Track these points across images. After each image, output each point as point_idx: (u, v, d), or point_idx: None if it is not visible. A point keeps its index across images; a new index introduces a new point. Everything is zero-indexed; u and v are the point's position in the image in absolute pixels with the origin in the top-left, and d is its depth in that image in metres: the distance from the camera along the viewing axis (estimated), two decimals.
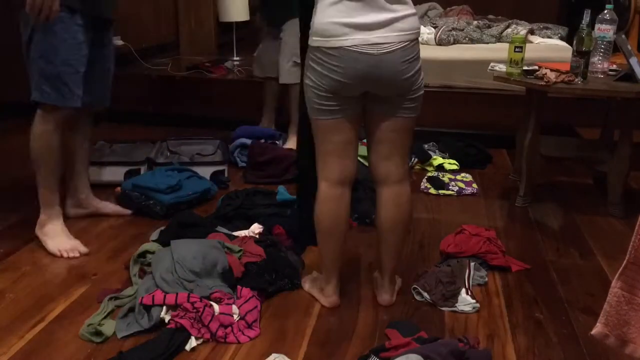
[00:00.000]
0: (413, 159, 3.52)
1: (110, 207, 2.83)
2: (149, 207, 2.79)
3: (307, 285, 2.19)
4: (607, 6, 2.72)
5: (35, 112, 2.36)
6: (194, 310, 1.92)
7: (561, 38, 4.60)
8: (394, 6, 1.78)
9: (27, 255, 2.43)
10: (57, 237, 2.44)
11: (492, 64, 3.22)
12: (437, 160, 3.54)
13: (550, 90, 2.76)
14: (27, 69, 2.35)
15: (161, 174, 2.94)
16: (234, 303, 2.00)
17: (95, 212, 2.76)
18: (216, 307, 1.96)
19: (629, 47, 2.72)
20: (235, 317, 1.95)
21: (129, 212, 2.82)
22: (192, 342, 1.85)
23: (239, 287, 2.08)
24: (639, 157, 2.91)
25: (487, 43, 4.48)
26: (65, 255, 2.39)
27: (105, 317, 1.97)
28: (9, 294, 2.14)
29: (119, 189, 3.02)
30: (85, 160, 2.71)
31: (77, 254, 2.41)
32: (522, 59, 2.92)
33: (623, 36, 2.77)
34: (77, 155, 2.64)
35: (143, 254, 2.27)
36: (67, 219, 2.56)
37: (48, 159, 2.38)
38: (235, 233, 2.56)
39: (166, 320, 1.92)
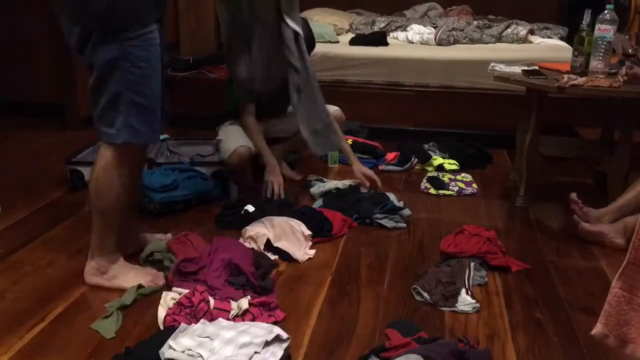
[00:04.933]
0: (413, 159, 3.53)
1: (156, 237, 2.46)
2: (144, 204, 2.80)
3: None
4: (607, 6, 2.72)
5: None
6: (190, 305, 1.94)
7: (561, 38, 4.61)
8: None
9: (27, 255, 2.43)
10: (130, 273, 2.16)
11: (492, 64, 3.22)
12: (437, 160, 3.54)
13: (555, 90, 2.74)
14: (94, 104, 1.99)
15: (159, 172, 2.94)
16: (241, 298, 2.02)
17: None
18: (212, 301, 1.98)
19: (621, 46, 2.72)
20: (234, 312, 1.95)
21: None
22: None
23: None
24: (639, 157, 2.91)
25: (487, 43, 4.49)
26: (154, 285, 2.13)
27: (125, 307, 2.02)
28: (9, 294, 2.14)
29: None
30: (138, 193, 2.37)
31: (163, 280, 2.17)
32: None
33: (626, 36, 2.77)
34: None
35: (151, 254, 2.30)
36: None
37: (119, 204, 2.06)
38: None
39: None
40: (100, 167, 2.04)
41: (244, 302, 1.98)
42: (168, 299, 2.02)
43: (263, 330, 1.82)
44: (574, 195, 2.63)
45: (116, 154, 2.01)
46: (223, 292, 2.05)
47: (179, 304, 1.96)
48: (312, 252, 2.47)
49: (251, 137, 3.02)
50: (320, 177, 3.21)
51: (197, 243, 2.35)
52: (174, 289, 2.08)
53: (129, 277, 2.14)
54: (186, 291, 2.03)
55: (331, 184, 3.07)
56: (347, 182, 3.08)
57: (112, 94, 1.94)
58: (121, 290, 2.11)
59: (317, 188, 3.05)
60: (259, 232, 2.48)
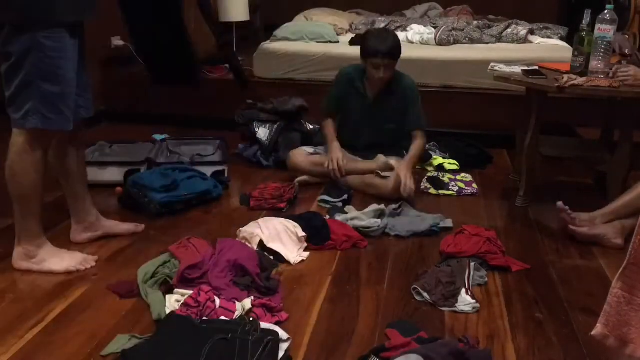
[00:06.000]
0: None
1: (121, 226, 2.59)
2: (144, 204, 2.80)
3: None
4: (607, 6, 2.72)
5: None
6: (196, 305, 1.94)
7: (561, 38, 4.61)
8: None
9: None
10: (56, 256, 2.26)
11: (492, 64, 3.22)
12: (437, 160, 3.54)
13: (555, 90, 2.74)
14: (6, 90, 2.08)
15: (159, 172, 2.94)
16: (246, 298, 2.02)
17: (107, 233, 2.54)
18: (217, 301, 1.98)
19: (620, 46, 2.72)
20: (238, 313, 1.95)
21: (142, 227, 2.63)
22: None
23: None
24: (639, 157, 2.91)
25: (487, 43, 4.48)
26: (82, 268, 2.25)
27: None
28: (9, 294, 2.13)
29: (119, 188, 3.02)
30: (85, 180, 2.48)
31: (93, 262, 2.29)
32: None
33: (625, 36, 2.77)
34: (76, 176, 2.40)
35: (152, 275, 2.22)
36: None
37: (36, 189, 2.16)
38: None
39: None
40: (14, 153, 2.12)
41: (247, 303, 1.98)
42: (172, 301, 2.01)
43: None
44: (560, 203, 2.62)
45: (27, 140, 2.09)
46: (228, 293, 2.05)
47: (185, 304, 1.95)
48: (306, 254, 2.46)
49: (326, 128, 3.26)
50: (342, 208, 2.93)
51: (200, 246, 2.33)
52: (176, 290, 2.07)
53: (58, 260, 2.25)
54: (190, 292, 2.03)
55: (361, 220, 2.71)
56: (376, 213, 2.77)
57: (23, 81, 2.03)
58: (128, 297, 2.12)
59: (344, 219, 2.72)
60: (253, 233, 2.48)
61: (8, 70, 2.05)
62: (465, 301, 2.10)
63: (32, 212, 2.20)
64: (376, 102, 3.17)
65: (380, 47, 2.99)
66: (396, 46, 3.03)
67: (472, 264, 2.30)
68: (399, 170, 2.99)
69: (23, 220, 2.20)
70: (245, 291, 2.09)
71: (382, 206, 2.80)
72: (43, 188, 2.20)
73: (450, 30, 4.45)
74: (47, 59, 2.02)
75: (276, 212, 2.83)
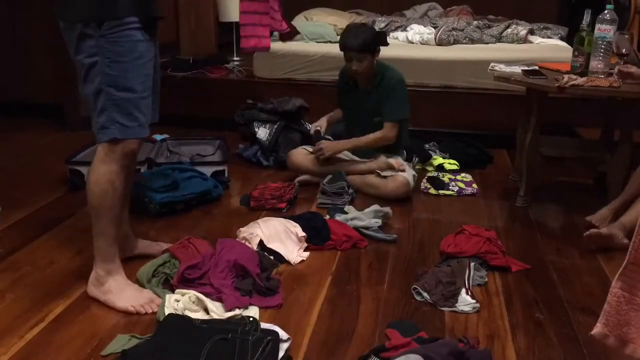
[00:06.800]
0: (414, 158, 3.53)
1: (154, 247, 2.41)
2: (144, 204, 2.80)
3: None
4: (607, 6, 2.72)
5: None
6: None
7: (561, 38, 4.61)
8: None
9: (27, 255, 2.43)
10: (124, 292, 2.05)
11: (492, 64, 3.22)
12: (437, 160, 3.54)
13: (555, 90, 2.74)
14: (86, 102, 2.00)
15: (159, 173, 2.94)
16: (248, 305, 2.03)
17: (141, 254, 2.36)
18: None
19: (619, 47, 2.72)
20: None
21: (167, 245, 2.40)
22: None
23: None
24: (639, 157, 2.91)
25: (487, 43, 4.49)
26: (142, 310, 2.00)
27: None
28: (9, 294, 2.13)
29: None
30: (128, 196, 2.28)
31: (155, 307, 2.01)
32: None
33: (625, 35, 2.76)
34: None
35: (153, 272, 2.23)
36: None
37: (112, 205, 1.99)
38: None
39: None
40: (92, 165, 2.02)
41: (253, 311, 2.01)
42: (172, 301, 2.01)
43: None
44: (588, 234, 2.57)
45: (105, 151, 1.97)
46: (229, 299, 2.03)
47: None
48: (306, 254, 2.46)
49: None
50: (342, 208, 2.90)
51: (200, 246, 2.33)
52: (177, 290, 2.07)
53: (122, 296, 2.04)
54: (190, 292, 2.03)
55: (361, 220, 2.70)
56: (376, 214, 2.75)
57: (94, 91, 1.93)
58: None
59: (344, 219, 2.72)
60: (253, 233, 2.47)
61: (82, 83, 1.95)
62: (465, 301, 2.10)
63: (103, 230, 2.02)
64: (365, 95, 3.23)
65: (347, 42, 3.12)
66: (363, 40, 3.08)
67: (472, 264, 2.30)
68: (324, 142, 3.20)
69: (95, 238, 2.04)
70: (247, 297, 2.08)
71: (385, 207, 2.80)
72: (120, 209, 2.05)
73: (450, 30, 4.46)
74: (114, 65, 1.88)
75: (276, 212, 2.84)
